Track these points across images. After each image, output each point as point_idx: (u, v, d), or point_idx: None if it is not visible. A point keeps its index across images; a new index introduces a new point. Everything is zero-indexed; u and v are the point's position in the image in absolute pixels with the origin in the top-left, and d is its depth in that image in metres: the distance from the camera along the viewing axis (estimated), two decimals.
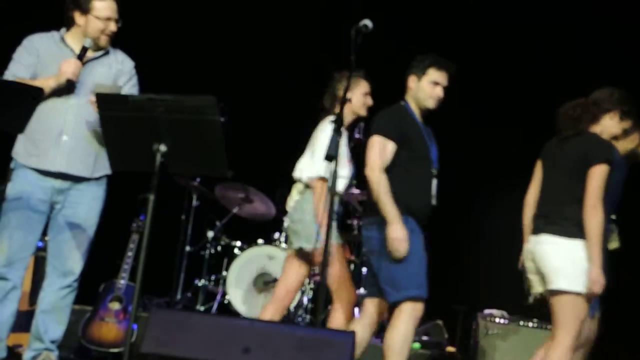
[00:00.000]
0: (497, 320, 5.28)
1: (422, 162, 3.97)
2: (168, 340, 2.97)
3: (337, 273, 4.17)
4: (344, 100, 3.58)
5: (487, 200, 6.26)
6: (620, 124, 4.04)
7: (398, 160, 3.90)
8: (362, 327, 3.98)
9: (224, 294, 5.90)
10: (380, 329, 4.60)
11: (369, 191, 3.96)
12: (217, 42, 6.89)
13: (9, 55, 3.86)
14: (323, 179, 4.16)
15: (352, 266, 6.13)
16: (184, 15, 6.85)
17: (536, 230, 3.84)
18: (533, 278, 3.88)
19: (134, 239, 4.92)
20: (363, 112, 4.36)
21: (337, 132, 3.41)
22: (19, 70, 3.77)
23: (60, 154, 3.78)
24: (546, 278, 3.74)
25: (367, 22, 3.54)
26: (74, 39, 3.88)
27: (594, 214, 3.68)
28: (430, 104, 4.03)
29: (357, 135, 5.33)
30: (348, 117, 4.38)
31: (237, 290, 5.82)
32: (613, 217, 4.10)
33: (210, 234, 6.19)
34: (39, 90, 3.42)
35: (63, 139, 3.79)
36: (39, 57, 3.82)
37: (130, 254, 4.87)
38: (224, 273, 6.03)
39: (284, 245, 6.02)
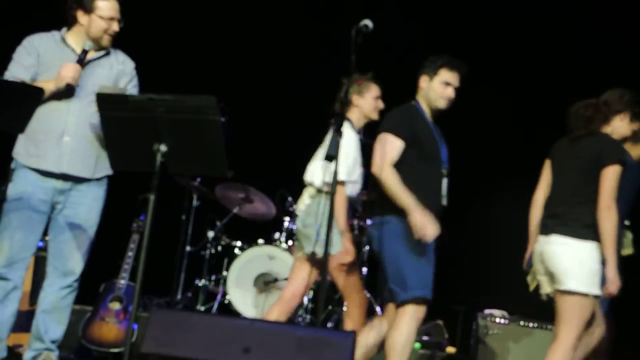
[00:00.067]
0: (497, 320, 5.28)
1: (432, 162, 3.96)
2: (168, 340, 2.97)
3: (346, 277, 4.16)
4: (344, 102, 3.58)
5: (487, 200, 6.26)
6: (630, 125, 4.05)
7: (408, 159, 3.88)
8: (378, 330, 3.98)
9: (225, 294, 5.90)
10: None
11: (373, 191, 3.95)
12: (218, 42, 6.89)
13: (9, 55, 3.86)
14: (341, 183, 4.16)
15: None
16: (185, 15, 6.86)
17: (546, 231, 3.84)
18: (542, 279, 3.88)
19: (135, 239, 4.92)
20: (375, 116, 4.35)
21: (337, 133, 3.41)
22: (18, 71, 3.77)
23: (62, 154, 3.78)
24: (555, 278, 3.75)
25: (368, 22, 3.54)
26: (75, 39, 3.88)
27: (608, 215, 3.68)
28: (442, 104, 4.03)
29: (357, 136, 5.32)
30: (360, 121, 4.39)
31: (237, 290, 5.82)
32: (627, 222, 4.10)
33: (211, 234, 6.19)
34: (40, 90, 3.42)
35: (65, 140, 3.79)
36: (39, 58, 3.81)
37: (130, 254, 4.87)
38: (225, 273, 6.03)
39: (284, 245, 6.02)
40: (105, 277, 4.91)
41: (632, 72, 5.68)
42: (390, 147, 3.89)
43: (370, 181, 4.04)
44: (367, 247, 5.87)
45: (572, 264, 3.69)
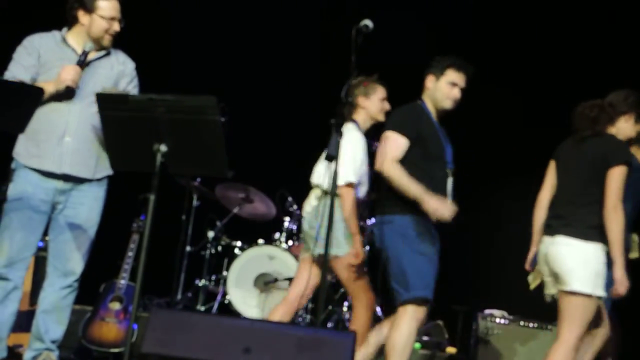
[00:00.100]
0: (497, 320, 5.28)
1: (437, 162, 3.96)
2: (168, 341, 2.97)
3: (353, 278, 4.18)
4: (345, 103, 3.58)
5: (487, 200, 6.26)
6: (635, 126, 4.06)
7: (412, 158, 3.88)
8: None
9: (225, 294, 5.90)
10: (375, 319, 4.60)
11: (375, 190, 3.95)
12: (218, 42, 6.89)
13: (9, 55, 3.85)
14: (351, 185, 4.16)
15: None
16: (185, 14, 6.86)
17: (551, 232, 3.84)
18: (547, 280, 3.89)
19: (135, 239, 4.92)
20: (381, 118, 4.35)
21: (337, 133, 3.41)
22: (18, 71, 3.76)
23: (64, 155, 3.78)
24: (559, 278, 3.75)
25: (368, 22, 3.54)
26: (76, 39, 3.87)
27: (614, 216, 3.68)
28: (447, 104, 4.04)
29: None
30: (366, 123, 4.40)
31: (237, 290, 5.82)
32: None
33: (211, 234, 6.19)
34: (39, 90, 3.42)
35: (66, 140, 3.79)
36: (40, 58, 3.81)
37: (130, 254, 4.87)
38: (225, 273, 6.03)
39: (284, 245, 6.02)
40: (105, 277, 4.91)
41: (634, 73, 5.68)
42: (394, 144, 3.89)
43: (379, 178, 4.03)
44: (367, 247, 5.86)
45: (577, 265, 3.69)
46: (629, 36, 6.20)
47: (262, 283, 5.79)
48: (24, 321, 4.24)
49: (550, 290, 3.88)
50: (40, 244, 4.42)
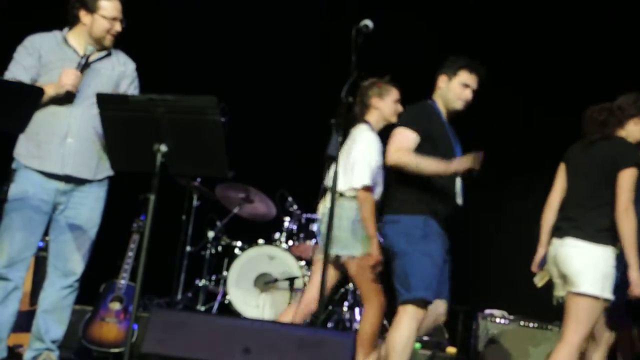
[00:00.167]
0: (497, 320, 5.28)
1: (445, 159, 3.95)
2: (168, 341, 2.97)
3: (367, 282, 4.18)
4: (346, 103, 3.57)
5: (487, 200, 6.26)
6: None
7: (421, 154, 3.86)
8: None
9: (225, 294, 5.90)
10: (382, 330, 4.60)
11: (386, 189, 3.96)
12: (218, 42, 6.89)
13: (9, 55, 3.85)
14: (368, 187, 4.16)
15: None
16: (185, 14, 6.86)
17: (560, 234, 3.85)
18: (556, 282, 3.90)
19: (135, 239, 4.92)
20: (394, 120, 4.33)
21: (337, 133, 3.41)
22: (19, 72, 3.75)
23: (66, 156, 3.78)
24: (568, 280, 3.76)
25: (368, 22, 3.54)
26: (77, 39, 3.87)
27: (626, 218, 3.69)
28: (459, 105, 4.03)
29: None
30: (379, 124, 4.40)
31: (237, 290, 5.82)
32: None
33: (211, 234, 6.19)
34: (40, 90, 3.42)
35: (68, 142, 3.79)
36: (41, 59, 3.80)
37: (130, 254, 4.87)
38: (225, 273, 6.03)
39: (284, 245, 6.02)
40: (106, 277, 4.91)
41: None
42: (404, 137, 3.86)
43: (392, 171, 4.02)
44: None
45: (586, 267, 3.70)
46: (637, 39, 6.20)
47: (262, 283, 5.80)
48: (24, 321, 4.24)
49: (559, 292, 3.89)
50: (41, 244, 4.42)
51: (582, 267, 3.69)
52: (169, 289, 5.92)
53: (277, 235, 6.14)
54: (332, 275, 4.33)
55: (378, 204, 4.33)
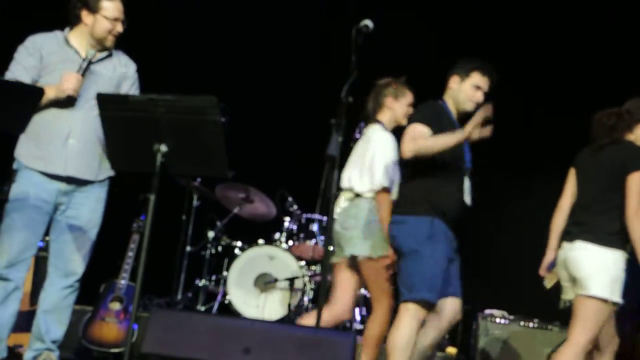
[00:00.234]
0: (497, 320, 5.28)
1: (456, 161, 3.94)
2: (169, 341, 2.97)
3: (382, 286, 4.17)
4: (346, 103, 3.57)
5: (487, 201, 6.26)
6: None
7: (431, 158, 3.84)
8: (434, 330, 3.96)
9: (225, 294, 5.90)
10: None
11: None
12: (218, 42, 6.89)
13: (9, 55, 3.85)
14: (386, 188, 4.16)
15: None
16: (185, 14, 6.86)
17: (570, 238, 3.86)
18: (566, 285, 3.91)
19: (135, 239, 4.92)
20: (404, 123, 4.30)
21: (337, 133, 3.41)
22: (19, 72, 3.75)
23: (68, 157, 3.78)
24: (578, 283, 3.77)
25: (368, 22, 3.54)
26: (79, 39, 3.86)
27: (636, 222, 3.70)
28: (469, 106, 4.01)
29: (357, 136, 5.32)
30: (390, 125, 4.38)
31: (237, 290, 5.82)
32: None
33: (211, 234, 6.19)
34: (40, 90, 3.42)
35: (70, 143, 3.78)
36: (42, 60, 3.79)
37: (130, 254, 4.87)
38: (225, 273, 6.03)
39: (284, 245, 6.02)
40: (106, 277, 4.91)
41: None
42: (417, 130, 3.83)
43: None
44: None
45: (596, 270, 3.71)
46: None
47: (262, 283, 5.80)
48: (24, 321, 4.23)
49: (567, 295, 3.90)
50: (41, 244, 4.42)
51: (593, 270, 3.71)
52: (169, 289, 5.92)
53: (277, 235, 6.14)
54: (351, 277, 4.32)
55: (395, 203, 4.32)
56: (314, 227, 6.16)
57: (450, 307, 3.96)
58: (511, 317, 5.33)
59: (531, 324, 5.24)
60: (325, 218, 6.05)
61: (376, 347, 4.19)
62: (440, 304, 3.91)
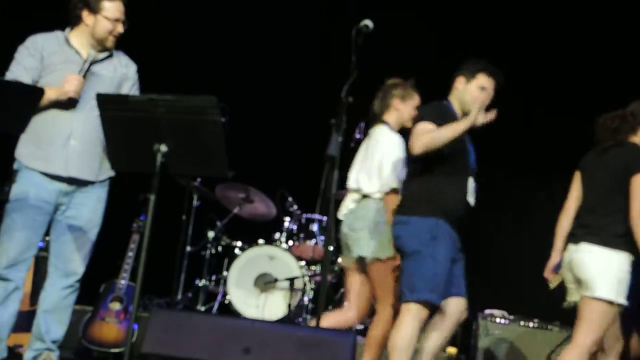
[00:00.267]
0: (497, 320, 5.28)
1: (460, 162, 3.94)
2: (169, 341, 2.97)
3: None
4: (346, 103, 3.56)
5: (487, 201, 6.26)
6: None
7: (435, 157, 3.85)
8: (441, 331, 3.95)
9: (225, 294, 5.90)
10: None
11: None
12: (218, 42, 6.89)
13: (9, 55, 3.84)
14: (395, 190, 4.16)
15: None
16: (185, 14, 6.86)
17: (575, 240, 3.87)
18: (571, 287, 3.91)
19: (135, 239, 4.92)
20: (410, 125, 4.30)
21: (337, 133, 3.40)
22: (20, 72, 3.74)
23: (69, 158, 3.78)
24: (583, 285, 3.77)
25: (368, 22, 3.54)
26: (79, 39, 3.86)
27: None
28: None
29: (357, 136, 5.33)
30: (395, 127, 4.37)
31: (237, 290, 5.82)
32: None
33: (211, 234, 6.19)
34: (40, 90, 3.42)
35: (71, 143, 3.78)
36: (43, 60, 3.79)
37: (130, 254, 4.87)
38: (225, 273, 6.02)
39: (284, 245, 6.02)
40: (106, 277, 4.91)
41: None
42: (424, 127, 3.82)
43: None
44: None
45: (601, 272, 3.71)
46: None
47: (262, 283, 5.79)
48: (24, 321, 4.24)
49: (573, 297, 3.90)
50: (41, 244, 4.42)
51: (598, 272, 3.71)
52: (169, 289, 5.92)
53: (277, 235, 6.14)
54: (363, 281, 4.30)
55: (399, 203, 4.32)
56: (314, 227, 6.16)
57: (455, 307, 3.96)
58: (511, 317, 5.33)
59: (531, 324, 5.24)
60: (325, 218, 6.06)
61: (379, 348, 4.19)
62: (445, 304, 3.91)
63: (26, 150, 3.81)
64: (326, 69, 5.65)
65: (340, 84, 4.03)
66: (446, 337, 3.99)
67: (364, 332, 4.57)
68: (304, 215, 6.17)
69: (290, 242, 6.10)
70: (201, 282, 6.11)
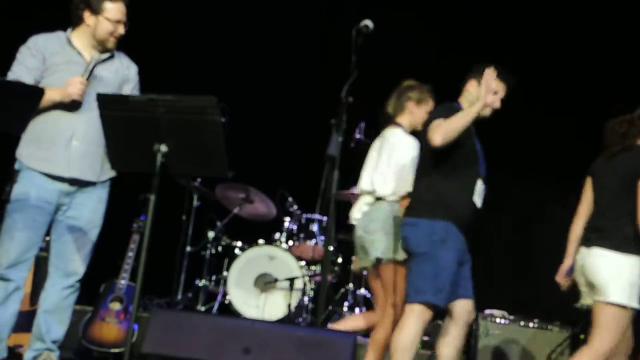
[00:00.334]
0: (497, 320, 5.28)
1: (470, 165, 3.92)
2: (169, 341, 2.97)
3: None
4: (346, 103, 3.56)
5: (489, 200, 6.26)
6: None
7: (446, 159, 3.84)
8: (453, 336, 3.95)
9: (225, 294, 5.90)
10: None
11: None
12: (218, 42, 6.89)
13: (9, 55, 3.84)
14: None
15: (352, 266, 6.14)
16: (185, 14, 6.86)
17: (588, 244, 3.89)
18: (583, 290, 3.93)
19: (135, 239, 4.92)
20: (420, 128, 4.30)
21: (337, 133, 3.40)
22: (22, 73, 3.74)
23: (71, 159, 3.78)
24: (595, 289, 3.79)
25: (368, 23, 3.54)
26: (80, 40, 3.86)
27: None
28: (486, 112, 3.98)
29: (357, 136, 5.33)
30: (407, 129, 4.36)
31: (237, 290, 5.82)
32: None
33: (211, 234, 6.19)
34: (40, 90, 3.42)
35: (73, 144, 3.78)
36: (45, 61, 3.79)
37: (131, 254, 4.87)
38: (225, 273, 6.03)
39: (284, 245, 6.02)
40: (106, 278, 4.91)
41: None
42: (437, 121, 3.80)
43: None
44: None
45: (613, 276, 3.73)
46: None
47: (262, 283, 5.80)
48: (24, 321, 4.24)
49: (586, 300, 3.93)
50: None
51: (610, 276, 3.73)
52: (169, 289, 5.92)
53: (277, 235, 6.14)
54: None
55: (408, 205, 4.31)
56: (314, 227, 6.16)
57: (462, 308, 3.95)
58: (511, 317, 5.33)
59: (531, 324, 5.24)
60: (325, 218, 6.06)
61: (382, 349, 4.18)
62: (452, 307, 3.92)
63: (27, 150, 3.81)
64: (326, 69, 5.65)
65: (340, 84, 4.03)
66: (460, 341, 3.98)
67: (367, 333, 4.57)
68: (304, 216, 6.18)
69: (290, 242, 6.10)
70: (201, 282, 6.11)
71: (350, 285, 6.04)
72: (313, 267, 5.98)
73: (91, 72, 3.77)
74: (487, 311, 5.38)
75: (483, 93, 3.75)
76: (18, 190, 3.74)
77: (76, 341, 4.67)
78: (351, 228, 6.12)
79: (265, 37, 6.91)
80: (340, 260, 6.24)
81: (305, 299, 5.77)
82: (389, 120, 4.41)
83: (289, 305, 5.61)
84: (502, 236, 6.53)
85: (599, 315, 3.75)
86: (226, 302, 5.88)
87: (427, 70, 4.71)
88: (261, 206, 6.34)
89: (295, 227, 6.17)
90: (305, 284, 5.71)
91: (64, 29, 3.90)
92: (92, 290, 4.64)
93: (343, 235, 6.08)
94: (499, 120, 3.99)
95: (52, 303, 3.88)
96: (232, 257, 6.04)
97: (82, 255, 3.89)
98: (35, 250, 3.85)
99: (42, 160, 3.77)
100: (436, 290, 3.77)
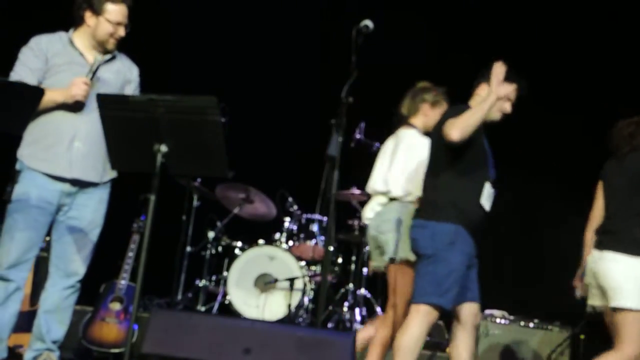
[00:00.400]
0: (497, 320, 5.28)
1: (480, 168, 3.92)
2: (169, 341, 2.97)
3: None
4: (346, 103, 3.56)
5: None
6: None
7: (459, 158, 3.83)
8: (463, 342, 3.94)
9: (225, 294, 5.90)
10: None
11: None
12: (218, 42, 6.89)
13: (9, 55, 3.84)
14: None
15: (352, 267, 6.14)
16: (185, 14, 6.86)
17: (600, 247, 3.89)
18: (594, 292, 3.93)
19: (135, 239, 4.92)
20: (430, 130, 4.30)
21: (337, 133, 3.40)
22: (25, 73, 3.74)
23: (73, 160, 3.77)
24: (607, 294, 3.79)
25: (368, 23, 3.54)
26: (82, 40, 3.86)
27: None
28: (497, 116, 3.96)
29: (357, 136, 5.33)
30: (421, 131, 4.36)
31: (238, 290, 5.82)
32: None
33: (211, 234, 6.19)
34: (40, 90, 3.42)
35: (75, 146, 3.78)
36: (48, 62, 3.79)
37: (131, 254, 4.87)
38: (225, 273, 6.03)
39: (284, 245, 6.02)
40: (106, 278, 4.91)
41: None
42: (451, 119, 3.79)
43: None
44: (367, 248, 5.87)
45: (624, 281, 3.74)
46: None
47: (262, 283, 5.80)
48: (24, 322, 4.24)
49: (594, 301, 3.93)
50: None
51: (621, 281, 3.74)
52: (169, 289, 5.92)
53: (277, 235, 6.14)
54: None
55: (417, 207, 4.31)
56: (314, 228, 6.16)
57: (468, 311, 3.94)
58: (511, 317, 5.33)
59: (531, 324, 5.24)
60: (325, 218, 6.06)
61: (384, 349, 4.17)
62: (459, 310, 3.91)
63: (29, 151, 3.81)
64: (326, 69, 5.66)
65: (340, 84, 4.02)
66: (472, 344, 3.97)
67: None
68: (304, 216, 6.18)
69: (291, 243, 6.10)
70: (201, 283, 6.11)
71: (350, 286, 6.03)
72: (313, 267, 5.98)
73: (94, 73, 3.77)
74: (487, 311, 5.39)
75: (494, 86, 3.74)
76: (19, 190, 3.74)
77: (76, 341, 4.68)
78: (351, 228, 6.16)
79: (265, 37, 6.91)
80: (340, 260, 6.24)
81: (305, 299, 5.77)
82: (402, 121, 4.40)
83: (289, 306, 5.61)
84: (502, 236, 6.52)
85: (618, 322, 3.75)
86: (226, 302, 5.88)
87: (427, 70, 4.71)
88: (261, 206, 6.34)
89: (295, 227, 6.17)
90: (305, 284, 5.71)
91: (65, 30, 3.90)
92: (92, 290, 4.64)
93: (343, 235, 6.09)
94: (498, 120, 3.98)
95: (53, 303, 3.88)
96: (232, 257, 6.04)
97: (82, 255, 3.89)
98: (36, 251, 3.85)
99: (43, 160, 3.77)
100: (442, 291, 3.76)
